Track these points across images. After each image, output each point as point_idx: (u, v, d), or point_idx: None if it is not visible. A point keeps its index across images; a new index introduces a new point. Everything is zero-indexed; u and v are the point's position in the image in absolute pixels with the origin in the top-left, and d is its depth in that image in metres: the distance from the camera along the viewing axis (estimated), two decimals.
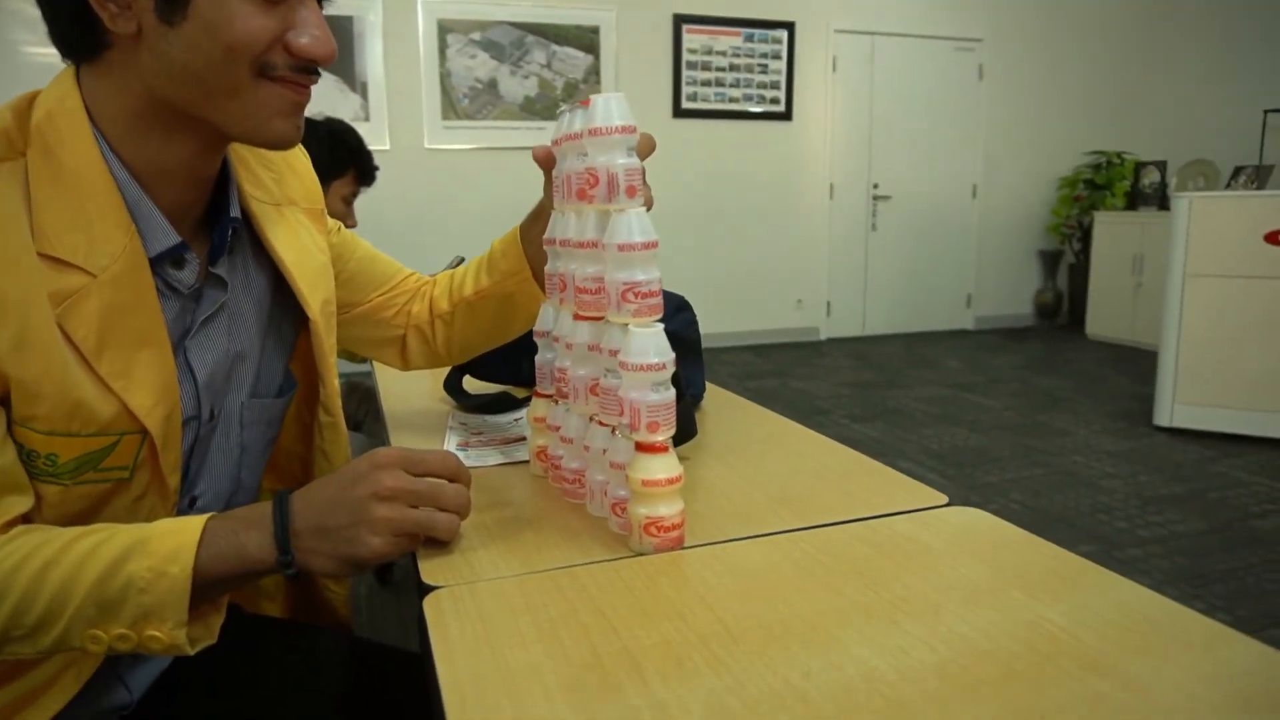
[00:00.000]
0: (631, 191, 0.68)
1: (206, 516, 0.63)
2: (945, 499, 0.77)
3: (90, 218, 0.62)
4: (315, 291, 0.82)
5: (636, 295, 0.67)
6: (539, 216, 0.91)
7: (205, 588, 0.61)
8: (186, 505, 0.76)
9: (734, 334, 5.77)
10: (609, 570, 0.65)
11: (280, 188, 0.83)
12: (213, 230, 0.74)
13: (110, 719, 0.75)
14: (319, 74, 0.68)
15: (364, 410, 2.17)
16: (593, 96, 0.69)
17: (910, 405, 4.22)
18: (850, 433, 3.73)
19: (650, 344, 0.66)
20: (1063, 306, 6.57)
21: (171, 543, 0.60)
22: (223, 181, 0.75)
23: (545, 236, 0.81)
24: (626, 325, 0.67)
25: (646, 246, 0.67)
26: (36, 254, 0.59)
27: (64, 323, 0.60)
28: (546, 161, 0.81)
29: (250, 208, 0.77)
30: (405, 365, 1.06)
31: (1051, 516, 2.75)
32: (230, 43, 0.61)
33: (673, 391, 0.67)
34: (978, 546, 0.67)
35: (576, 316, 0.75)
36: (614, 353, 0.69)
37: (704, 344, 1.19)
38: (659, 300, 0.68)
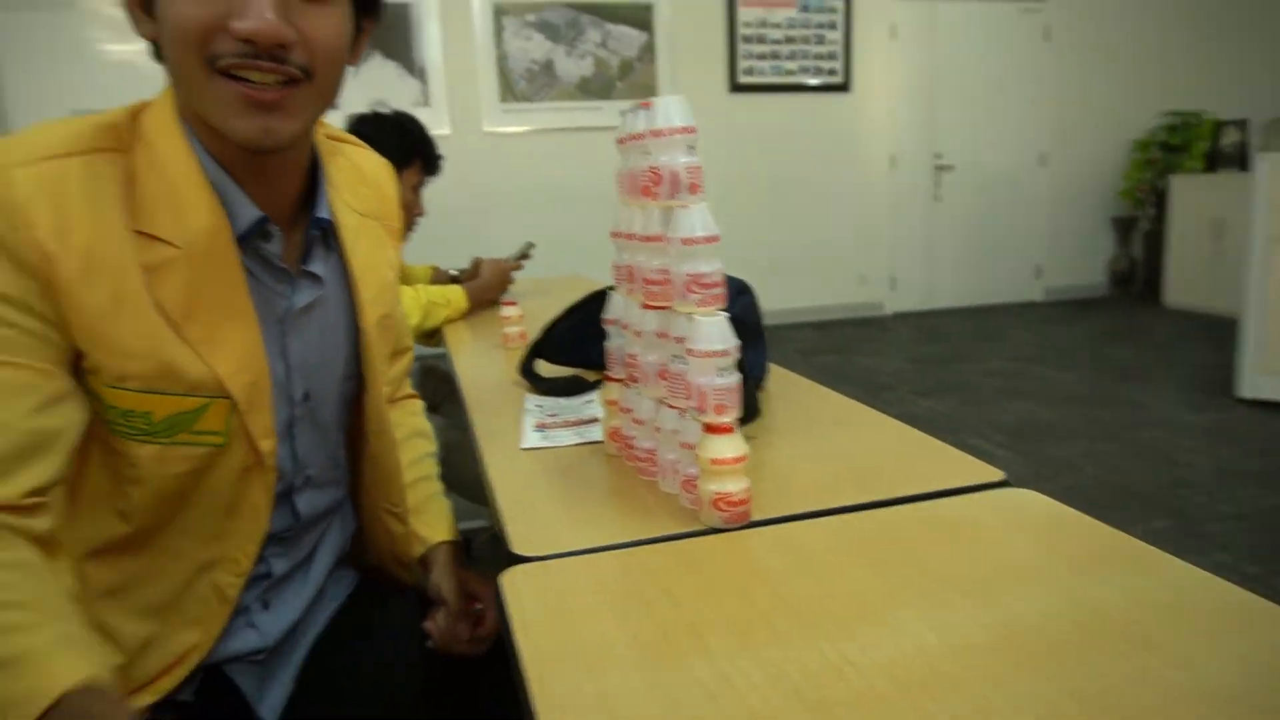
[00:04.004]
0: (694, 188, 0.72)
1: (63, 690, 0.58)
2: (1002, 475, 0.79)
3: (179, 198, 0.69)
4: (375, 304, 0.87)
5: (700, 286, 0.71)
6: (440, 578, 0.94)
7: None
8: (301, 482, 0.83)
9: (797, 310, 5.74)
10: (672, 549, 0.70)
11: (369, 202, 0.90)
12: (307, 232, 0.80)
13: (247, 659, 0.84)
14: (284, 62, 0.66)
15: (440, 393, 2.25)
16: (654, 100, 0.73)
17: (978, 379, 4.16)
18: (916, 408, 3.70)
19: (715, 331, 0.70)
20: (1137, 275, 6.34)
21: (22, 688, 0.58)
22: (314, 187, 0.81)
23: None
24: (691, 314, 0.71)
25: (709, 240, 0.71)
26: (132, 230, 0.67)
27: (154, 290, 0.68)
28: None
29: (339, 214, 0.83)
30: None
31: (1126, 492, 2.70)
32: (173, 34, 0.65)
33: (737, 375, 0.71)
34: (1030, 526, 0.70)
35: (644, 305, 0.79)
36: (680, 340, 0.73)
37: (767, 321, 1.22)
38: (722, 290, 0.72)
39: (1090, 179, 6.25)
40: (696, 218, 0.71)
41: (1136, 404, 3.62)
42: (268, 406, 0.75)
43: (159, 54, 0.69)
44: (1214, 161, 5.64)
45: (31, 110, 4.49)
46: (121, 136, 0.70)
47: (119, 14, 4.23)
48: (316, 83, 0.70)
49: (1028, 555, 0.65)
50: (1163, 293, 5.77)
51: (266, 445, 0.76)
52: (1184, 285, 5.62)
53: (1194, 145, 5.90)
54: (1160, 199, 5.98)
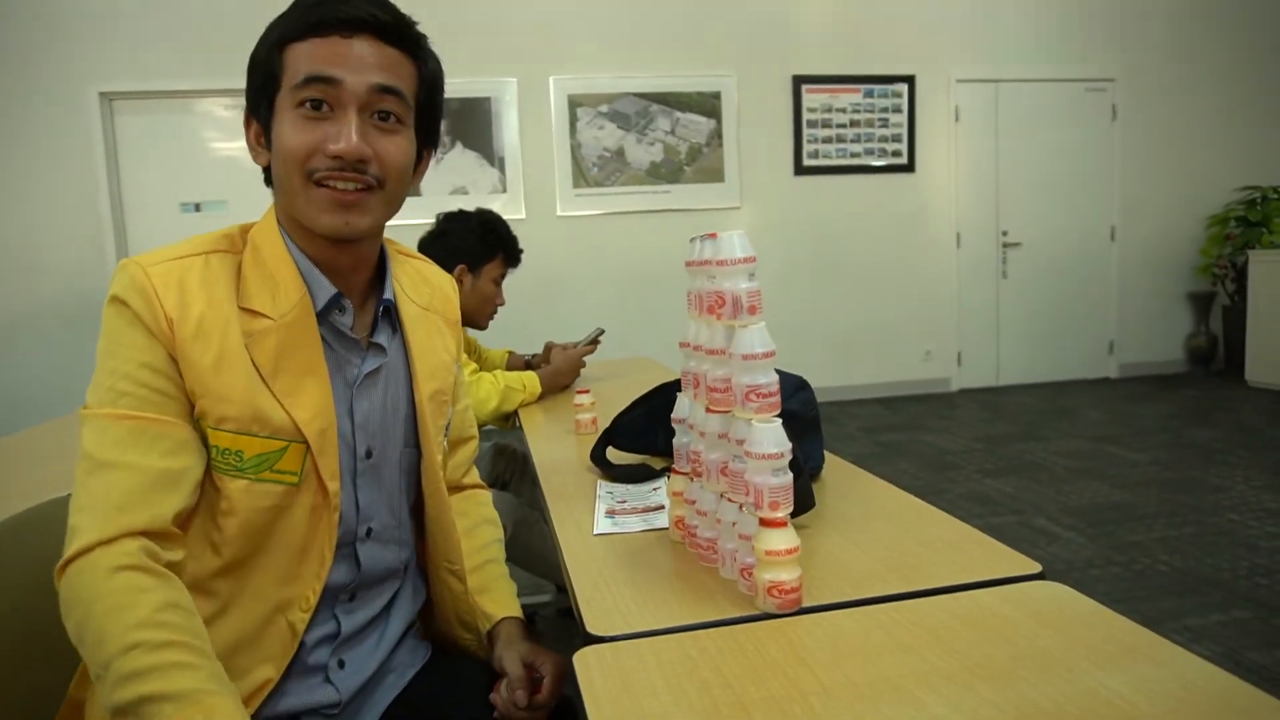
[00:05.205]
0: (753, 310, 0.83)
1: None
2: (1038, 568, 0.86)
3: (275, 283, 0.89)
4: (429, 380, 1.02)
5: (758, 395, 0.81)
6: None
7: None
8: (365, 533, 0.96)
9: (862, 386, 5.76)
10: (728, 633, 0.79)
11: (430, 299, 1.07)
12: (376, 310, 0.97)
13: (322, 713, 0.94)
14: (364, 174, 0.87)
15: (510, 471, 2.38)
16: (720, 233, 0.85)
17: (1048, 459, 4.10)
18: (983, 488, 3.68)
19: (770, 436, 0.80)
20: (1218, 351, 6.19)
21: None
22: (383, 275, 0.99)
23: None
24: (750, 420, 0.81)
25: (766, 355, 0.81)
26: (239, 307, 0.87)
27: (251, 352, 0.85)
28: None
29: (402, 304, 1.00)
30: None
31: (1201, 578, 2.64)
32: (284, 155, 0.86)
33: (789, 475, 0.80)
34: (1057, 618, 0.77)
35: (708, 409, 0.90)
36: (740, 442, 0.83)
37: (833, 398, 1.30)
38: (777, 399, 0.82)
39: (1164, 254, 6.18)
40: (755, 336, 0.82)
41: (1216, 487, 3.53)
42: (335, 452, 0.90)
43: (269, 179, 0.92)
44: None
45: (146, 202, 4.92)
46: (234, 242, 0.91)
47: (228, 115, 4.65)
48: (386, 191, 0.90)
49: (1048, 645, 0.71)
50: (1246, 370, 5.61)
51: (333, 486, 0.90)
52: (1268, 363, 5.46)
53: (1274, 220, 5.80)
54: (1240, 274, 5.87)
